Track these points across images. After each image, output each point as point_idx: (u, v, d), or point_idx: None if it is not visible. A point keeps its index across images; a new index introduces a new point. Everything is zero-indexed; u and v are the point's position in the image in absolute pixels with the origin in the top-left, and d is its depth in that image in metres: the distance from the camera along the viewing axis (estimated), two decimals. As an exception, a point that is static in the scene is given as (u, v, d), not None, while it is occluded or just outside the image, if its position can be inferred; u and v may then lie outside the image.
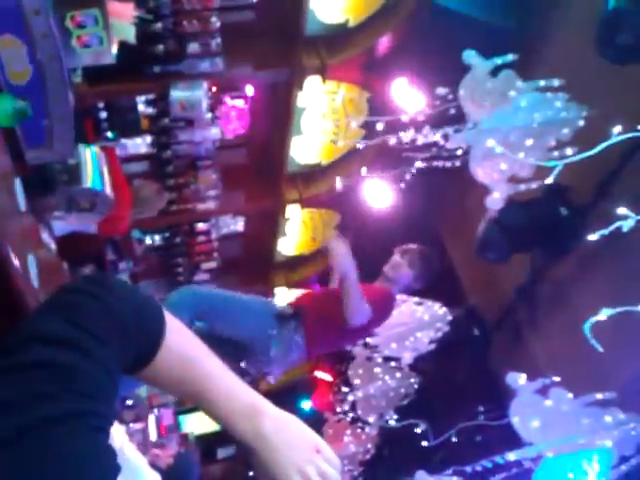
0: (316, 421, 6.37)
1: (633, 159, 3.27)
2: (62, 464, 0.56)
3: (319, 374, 7.20)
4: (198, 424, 6.89)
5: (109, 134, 4.58)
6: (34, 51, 1.62)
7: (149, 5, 4.15)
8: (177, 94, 4.44)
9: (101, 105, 4.49)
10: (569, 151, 3.03)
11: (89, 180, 2.41)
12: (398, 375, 4.95)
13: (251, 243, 6.20)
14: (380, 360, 4.87)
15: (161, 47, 4.30)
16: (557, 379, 3.10)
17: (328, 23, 4.34)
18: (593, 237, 2.75)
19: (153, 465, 1.85)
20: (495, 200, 3.34)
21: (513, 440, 3.08)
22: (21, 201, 1.56)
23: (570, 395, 3.03)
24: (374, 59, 4.64)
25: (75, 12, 2.13)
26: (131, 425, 4.23)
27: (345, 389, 5.35)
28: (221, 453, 8.19)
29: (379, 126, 3.47)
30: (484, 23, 3.89)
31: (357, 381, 5.08)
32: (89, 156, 2.49)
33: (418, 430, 4.32)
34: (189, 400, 0.82)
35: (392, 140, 3.30)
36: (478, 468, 3.02)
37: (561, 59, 3.74)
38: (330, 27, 4.36)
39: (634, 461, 2.89)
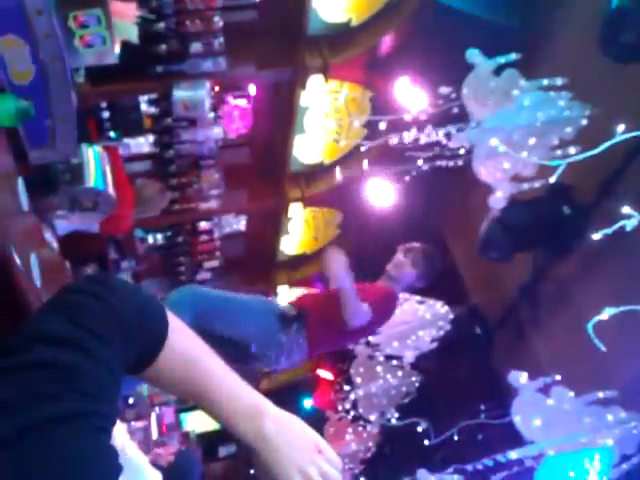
0: (317, 419, 6.37)
1: (637, 158, 3.26)
2: (64, 464, 0.56)
3: (321, 372, 7.20)
4: (199, 422, 6.91)
5: (112, 134, 4.59)
6: (37, 51, 1.62)
7: (152, 5, 4.15)
8: (180, 94, 4.44)
9: (104, 105, 4.50)
10: (572, 150, 3.03)
11: (92, 180, 2.42)
12: (400, 373, 4.95)
13: (253, 242, 6.20)
14: (382, 358, 4.88)
15: (164, 47, 4.30)
16: (559, 378, 3.10)
17: (331, 22, 4.34)
18: (596, 236, 2.75)
19: (154, 464, 1.86)
20: (498, 199, 3.34)
21: (515, 439, 3.08)
22: (24, 201, 1.56)
23: (572, 394, 3.03)
24: (377, 58, 4.64)
25: (78, 12, 2.14)
26: (133, 423, 4.25)
27: (347, 387, 5.36)
28: (222, 451, 8.21)
29: (382, 125, 3.47)
30: (487, 22, 3.88)
31: (359, 379, 5.08)
32: (92, 156, 2.50)
33: (419, 428, 4.33)
34: (191, 400, 0.82)
35: (395, 139, 3.30)
36: (479, 467, 3.03)
37: (564, 58, 3.73)
38: (333, 26, 4.36)
39: (635, 460, 2.89)
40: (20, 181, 1.56)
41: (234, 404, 0.78)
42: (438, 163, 3.40)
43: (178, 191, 5.14)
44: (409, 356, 4.52)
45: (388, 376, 4.95)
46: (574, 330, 3.06)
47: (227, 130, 5.02)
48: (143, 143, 4.99)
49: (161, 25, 4.24)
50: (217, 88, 4.76)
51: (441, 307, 4.51)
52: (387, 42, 4.54)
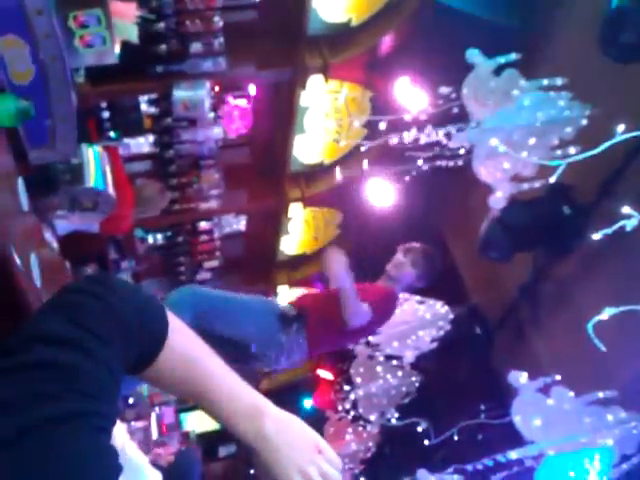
0: (317, 419, 6.37)
1: (637, 158, 3.26)
2: (64, 464, 0.56)
3: (321, 372, 7.20)
4: (199, 422, 6.91)
5: (112, 134, 4.59)
6: (37, 51, 1.62)
7: (152, 5, 4.15)
8: (180, 94, 4.44)
9: (104, 105, 4.50)
10: (572, 150, 3.03)
11: (92, 180, 2.42)
12: (400, 373, 4.95)
13: (253, 242, 6.21)
14: (382, 358, 4.88)
15: (164, 47, 4.30)
16: (559, 378, 3.10)
17: (331, 22, 4.34)
18: (596, 236, 2.75)
19: (154, 464, 1.86)
20: (498, 199, 3.34)
21: (515, 438, 3.08)
22: (24, 201, 1.56)
23: (572, 394, 3.03)
24: (377, 58, 4.64)
25: (78, 12, 2.14)
26: (133, 423, 4.25)
27: (346, 387, 5.36)
28: (222, 451, 8.21)
29: (382, 125, 3.47)
30: (487, 22, 3.88)
31: (358, 379, 5.08)
32: (92, 156, 2.50)
33: (419, 428, 4.33)
34: (191, 400, 0.82)
35: (395, 139, 3.30)
36: (479, 467, 3.03)
37: (564, 58, 3.73)
38: (333, 26, 4.36)
39: (635, 460, 2.89)
40: (20, 181, 1.56)
41: (234, 404, 0.78)
42: (438, 163, 3.40)
43: (178, 191, 5.15)
44: (409, 356, 4.52)
45: (388, 376, 4.95)
46: (574, 330, 3.06)
47: (227, 130, 5.02)
48: (143, 143, 4.99)
49: (161, 25, 4.24)
50: (217, 88, 4.76)
51: (441, 307, 4.51)
52: (387, 42, 4.54)
